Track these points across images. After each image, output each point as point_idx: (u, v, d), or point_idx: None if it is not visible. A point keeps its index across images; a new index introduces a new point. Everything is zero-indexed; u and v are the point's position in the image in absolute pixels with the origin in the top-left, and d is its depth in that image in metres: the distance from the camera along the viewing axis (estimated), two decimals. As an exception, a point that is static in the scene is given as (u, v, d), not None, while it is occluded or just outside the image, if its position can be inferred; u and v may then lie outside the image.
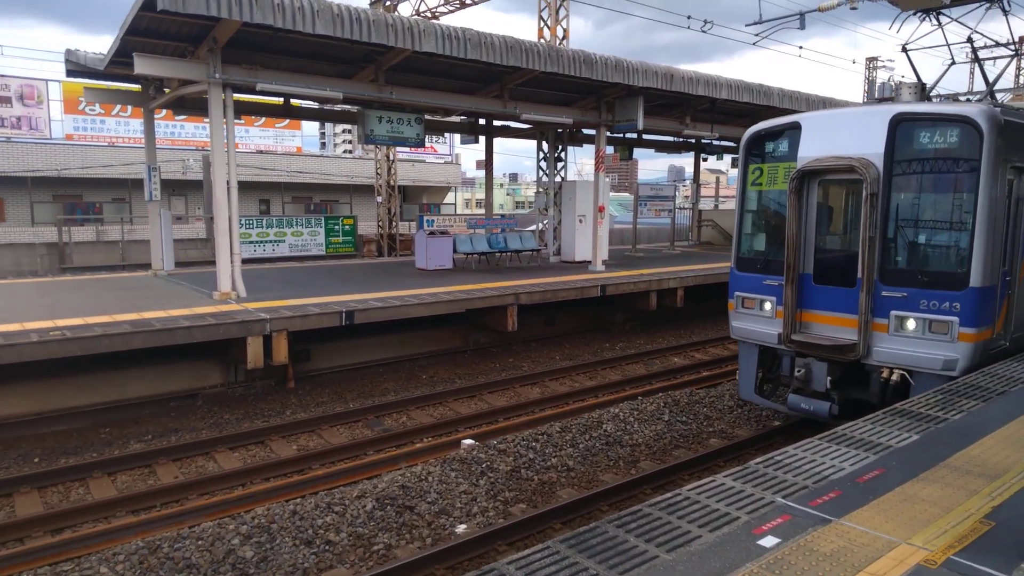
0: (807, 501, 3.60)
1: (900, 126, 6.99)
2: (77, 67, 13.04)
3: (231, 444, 8.51)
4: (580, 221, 17.69)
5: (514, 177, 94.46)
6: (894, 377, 6.99)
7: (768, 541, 3.17)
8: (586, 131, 19.07)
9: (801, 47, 40.89)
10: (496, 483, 7.10)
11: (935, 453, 4.30)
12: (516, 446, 7.88)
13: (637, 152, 22.04)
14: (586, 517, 6.58)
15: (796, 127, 7.83)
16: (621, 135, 20.21)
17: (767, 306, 8.07)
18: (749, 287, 8.29)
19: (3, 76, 25.72)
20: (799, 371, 7.50)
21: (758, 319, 8.17)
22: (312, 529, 6.03)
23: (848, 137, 7.34)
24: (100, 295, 11.71)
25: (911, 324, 6.90)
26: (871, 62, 39.79)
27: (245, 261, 13.72)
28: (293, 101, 15.52)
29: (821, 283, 7.63)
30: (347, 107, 16.43)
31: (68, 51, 12.87)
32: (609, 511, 6.71)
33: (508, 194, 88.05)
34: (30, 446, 8.46)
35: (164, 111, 17.86)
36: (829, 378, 7.32)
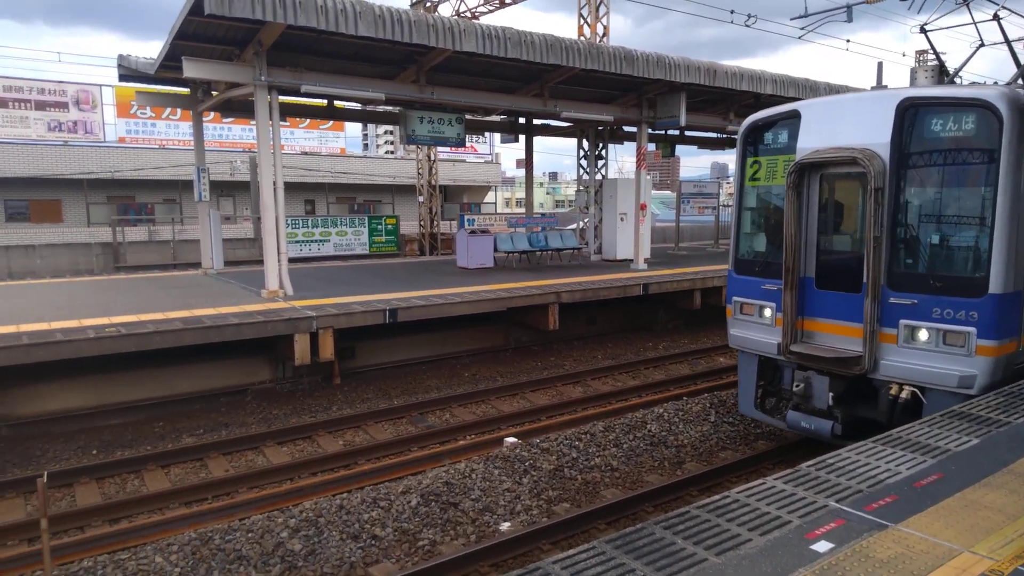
0: (862, 505, 3.50)
1: (908, 112, 6.25)
2: (129, 72, 13.45)
3: (279, 439, 8.69)
4: (621, 219, 17.56)
5: (554, 176, 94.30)
6: (904, 394, 6.26)
7: (821, 546, 3.10)
8: (627, 128, 18.92)
9: (848, 40, 39.87)
10: (539, 482, 7.10)
11: (998, 458, 4.14)
12: (559, 445, 7.87)
13: (679, 149, 21.80)
14: (631, 518, 6.53)
15: (795, 116, 7.15)
16: (663, 132, 19.98)
17: (767, 313, 7.38)
18: (747, 292, 7.63)
19: (60, 82, 26.69)
20: (798, 386, 6.86)
21: (757, 327, 7.49)
22: (358, 523, 6.11)
23: (851, 126, 6.64)
24: (153, 293, 12.07)
25: (923, 335, 6.18)
26: (921, 55, 38.57)
27: (292, 260, 13.99)
28: (337, 103, 15.76)
29: (824, 288, 6.93)
30: (389, 108, 16.60)
31: (120, 56, 13.28)
32: (654, 512, 6.64)
33: (548, 193, 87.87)
34: (88, 439, 8.78)
35: (212, 114, 18.30)
36: (831, 394, 6.65)
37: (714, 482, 7.30)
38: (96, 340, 8.48)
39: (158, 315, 9.75)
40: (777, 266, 7.16)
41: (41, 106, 26.17)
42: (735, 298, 7.80)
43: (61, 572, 5.13)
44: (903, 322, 6.28)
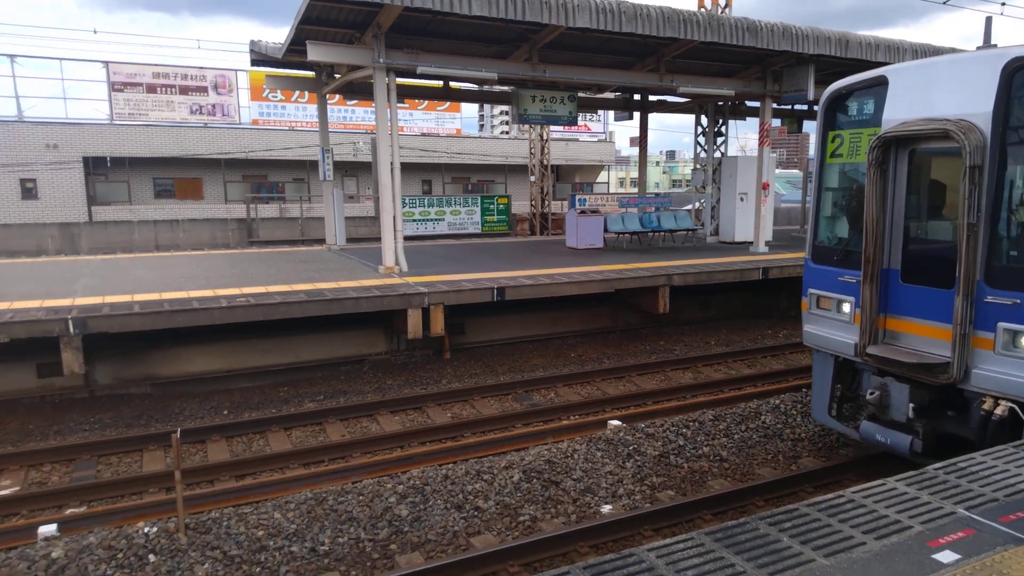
0: (996, 516, 3.18)
1: (1017, 76, 5.21)
2: (259, 56, 14.23)
3: (392, 408, 9.05)
4: (741, 199, 16.82)
5: (672, 155, 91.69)
6: (1000, 410, 5.35)
7: (946, 556, 2.84)
8: (749, 103, 18.02)
9: (1004, 3, 35.77)
10: (643, 467, 6.99)
11: None
12: (665, 431, 7.70)
13: (808, 125, 20.51)
14: (738, 511, 6.31)
15: (882, 82, 6.22)
16: (789, 107, 18.89)
17: (845, 308, 6.52)
18: (825, 283, 6.77)
19: (201, 68, 28.72)
20: (872, 393, 6.08)
21: (834, 324, 6.67)
22: (462, 494, 6.27)
23: (947, 92, 5.69)
24: (280, 267, 12.85)
25: None
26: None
27: (408, 238, 14.45)
28: (452, 84, 16.01)
29: (911, 282, 6.06)
30: (504, 88, 16.69)
31: (252, 42, 14.08)
32: (764, 507, 6.38)
33: (664, 172, 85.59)
34: (220, 400, 9.51)
35: (337, 96, 19.13)
36: (912, 404, 5.82)
37: (831, 479, 6.90)
38: (229, 309, 9.14)
39: (284, 287, 10.37)
40: (858, 255, 6.31)
41: (184, 91, 28.34)
42: (811, 290, 6.99)
43: (192, 520, 5.61)
44: (1002, 325, 5.34)
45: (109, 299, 9.37)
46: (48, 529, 5.65)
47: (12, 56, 25.09)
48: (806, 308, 7.07)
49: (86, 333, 8.39)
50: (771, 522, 3.12)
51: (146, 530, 5.37)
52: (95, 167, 26.41)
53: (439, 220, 21.73)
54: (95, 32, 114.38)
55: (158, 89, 27.74)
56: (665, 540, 2.95)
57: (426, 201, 21.97)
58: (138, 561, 5.05)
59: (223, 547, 5.29)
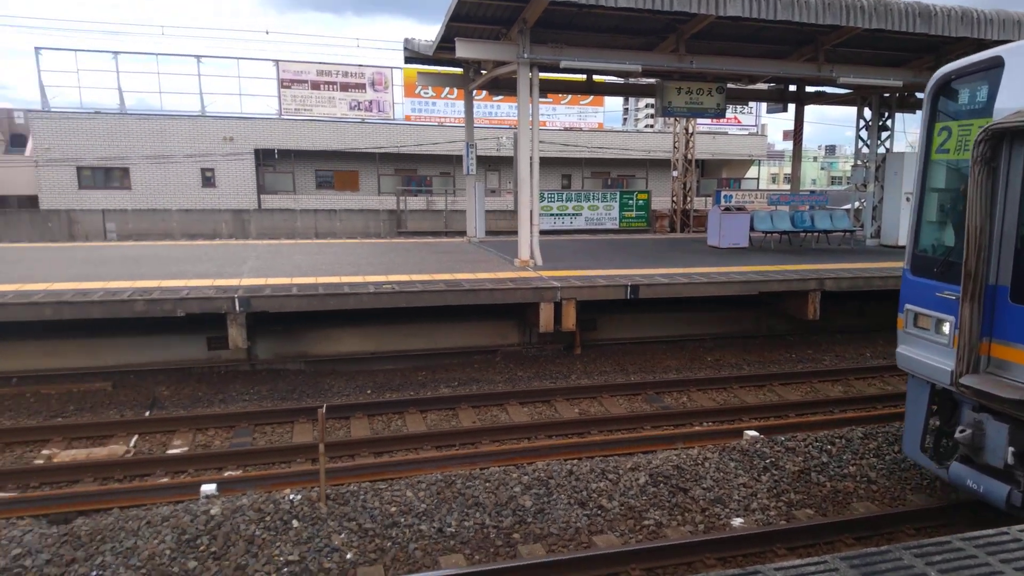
0: None
1: None
2: (413, 54, 14.84)
3: (521, 399, 9.18)
4: (907, 199, 15.41)
5: (832, 149, 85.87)
6: None
7: None
8: (920, 94, 16.44)
9: None
10: (780, 482, 6.62)
11: None
12: (807, 446, 7.24)
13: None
14: (885, 538, 5.81)
15: (997, 64, 5.24)
16: (969, 98, 17.02)
17: (944, 328, 5.58)
18: (923, 299, 5.84)
19: (360, 66, 30.50)
20: (963, 431, 5.23)
21: (932, 346, 5.75)
22: (586, 492, 6.24)
23: None
24: (424, 256, 13.41)
25: None
26: None
27: (545, 232, 14.58)
28: (595, 77, 15.91)
29: (1022, 302, 5.06)
30: (649, 80, 16.36)
31: (406, 40, 14.71)
32: (915, 536, 5.84)
33: (823, 168, 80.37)
34: (364, 380, 10.09)
35: (483, 92, 19.62)
36: (1012, 449, 4.91)
37: (993, 513, 6.18)
38: (375, 295, 9.67)
39: (426, 276, 10.81)
40: (960, 267, 5.35)
41: (344, 87, 30.25)
42: (908, 306, 6.08)
43: (332, 491, 5.99)
44: None
45: (271, 281, 10.21)
46: (209, 488, 6.27)
47: (198, 56, 27.94)
48: (902, 326, 6.18)
49: (250, 311, 9.21)
50: (918, 553, 2.84)
51: (292, 497, 5.81)
52: (264, 158, 28.87)
53: (576, 215, 21.71)
54: (267, 33, 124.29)
55: (321, 86, 29.82)
56: (795, 560, 2.78)
57: (564, 196, 22.02)
58: (283, 525, 5.47)
59: (359, 519, 5.61)
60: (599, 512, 6.01)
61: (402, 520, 5.67)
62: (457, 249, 14.83)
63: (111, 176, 27.10)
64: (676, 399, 9.45)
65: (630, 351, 11.57)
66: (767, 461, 6.90)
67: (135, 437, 7.92)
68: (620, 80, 16.88)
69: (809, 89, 17.44)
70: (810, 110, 18.70)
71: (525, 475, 6.44)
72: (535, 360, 11.06)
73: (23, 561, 5.05)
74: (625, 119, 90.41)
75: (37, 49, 26.68)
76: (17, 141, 32.28)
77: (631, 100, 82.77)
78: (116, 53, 26.96)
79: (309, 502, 5.75)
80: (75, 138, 26.23)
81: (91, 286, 9.54)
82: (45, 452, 7.49)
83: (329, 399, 9.20)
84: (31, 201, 26.48)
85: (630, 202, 22.40)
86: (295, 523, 5.49)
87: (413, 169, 31.47)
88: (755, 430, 7.91)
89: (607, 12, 10.74)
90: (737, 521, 5.99)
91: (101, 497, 6.40)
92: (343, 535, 5.42)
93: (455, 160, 29.93)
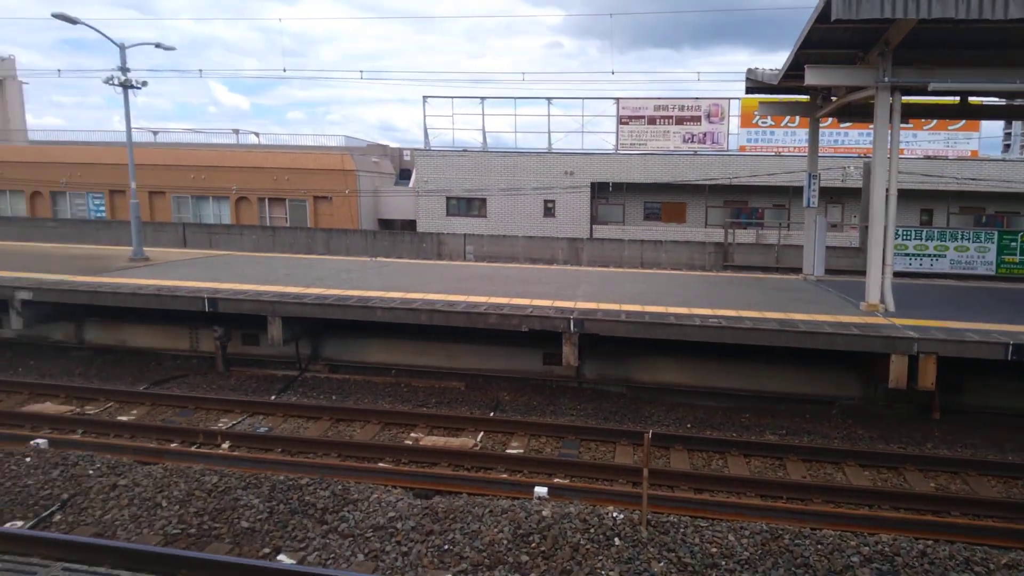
0: None
1: None
2: (755, 84, 14.38)
3: (862, 461, 8.24)
4: None
5: None
6: None
7: None
8: None
9: None
10: None
11: None
12: None
13: None
14: None
15: None
16: None
17: None
18: None
19: (696, 99, 30.57)
20: None
21: None
22: (943, 580, 5.35)
23: None
24: (752, 292, 12.86)
25: None
26: None
27: (898, 274, 12.95)
28: (971, 99, 13.71)
29: None
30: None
31: (748, 70, 14.33)
32: None
33: None
34: (685, 413, 10.00)
35: (829, 120, 18.23)
36: None
37: None
38: (701, 327, 9.57)
39: (755, 313, 10.36)
40: None
41: (680, 121, 30.59)
42: None
43: (652, 517, 6.05)
44: None
45: (602, 306, 10.74)
46: (541, 491, 6.79)
47: (549, 99, 30.80)
48: None
49: (583, 332, 9.81)
50: None
51: (615, 515, 6.01)
52: (599, 191, 30.58)
53: (939, 256, 18.78)
54: (612, 73, 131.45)
55: (657, 120, 30.63)
56: None
57: (924, 233, 19.23)
58: (605, 540, 5.69)
59: (679, 552, 5.57)
60: (961, 607, 5.10)
61: (723, 563, 5.49)
62: (790, 287, 13.92)
63: (472, 205, 31.29)
64: (1075, 491, 7.58)
65: (1008, 424, 9.62)
66: None
67: (481, 433, 8.96)
68: (1002, 101, 14.29)
69: None
70: None
71: (865, 546, 5.76)
72: (880, 419, 9.83)
73: (396, 524, 6.05)
74: (1007, 144, 75.96)
75: (425, 98, 32.06)
76: (404, 175, 38.99)
77: (1016, 124, 69.19)
78: (483, 99, 31.10)
79: (631, 523, 5.89)
80: (446, 172, 30.91)
81: (455, 298, 11.09)
82: (413, 435, 8.88)
83: (650, 426, 9.32)
84: (411, 224, 31.86)
85: (1012, 244, 18.66)
86: (617, 541, 5.67)
87: (744, 201, 30.47)
88: None
89: (991, 25, 9.17)
90: None
91: (453, 481, 7.37)
92: (662, 563, 5.44)
93: (791, 192, 28.22)
